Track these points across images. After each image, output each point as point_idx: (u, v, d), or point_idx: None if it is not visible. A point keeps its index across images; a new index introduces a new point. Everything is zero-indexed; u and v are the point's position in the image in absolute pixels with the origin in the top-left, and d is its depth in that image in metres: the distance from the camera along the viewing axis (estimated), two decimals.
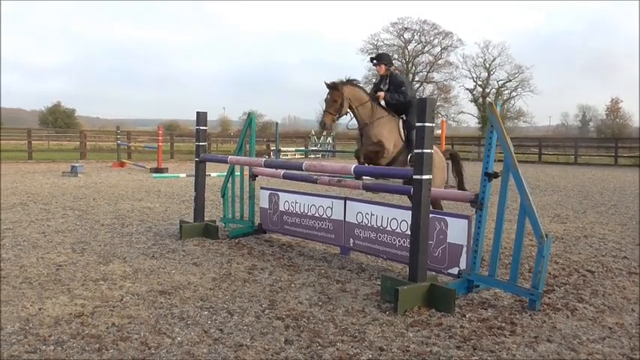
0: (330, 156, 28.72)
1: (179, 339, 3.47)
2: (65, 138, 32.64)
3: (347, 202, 5.73)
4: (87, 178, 14.47)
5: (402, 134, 6.20)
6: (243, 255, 5.77)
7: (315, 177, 6.12)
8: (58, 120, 51.52)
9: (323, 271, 5.17)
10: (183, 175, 14.94)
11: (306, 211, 6.14)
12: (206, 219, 6.89)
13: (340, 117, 6.11)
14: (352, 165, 5.16)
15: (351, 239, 5.64)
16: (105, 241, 6.34)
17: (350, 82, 6.11)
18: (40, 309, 3.98)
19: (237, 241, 6.44)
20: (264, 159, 6.97)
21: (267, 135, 32.90)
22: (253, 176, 6.89)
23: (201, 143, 6.84)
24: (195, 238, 6.51)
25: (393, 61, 7.90)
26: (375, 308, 4.12)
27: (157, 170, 15.97)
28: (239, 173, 7.10)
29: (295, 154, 24.55)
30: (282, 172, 6.46)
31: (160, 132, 17.07)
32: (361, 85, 6.35)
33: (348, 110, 6.05)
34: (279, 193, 6.58)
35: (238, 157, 6.67)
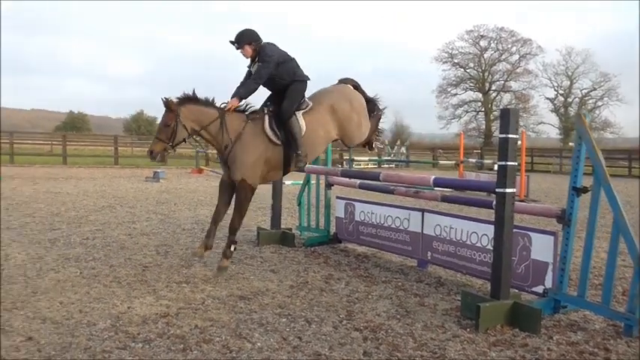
0: (403, 166, 28.46)
1: (259, 344, 3.53)
2: (147, 144, 34.29)
3: (425, 214, 5.63)
4: (168, 183, 15.10)
5: (273, 137, 5.16)
6: (320, 264, 5.80)
7: (392, 187, 6.07)
8: (141, 127, 54.22)
9: (400, 284, 5.10)
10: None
11: (382, 222, 6.09)
12: (282, 226, 6.99)
13: (177, 144, 5.04)
14: (431, 176, 5.08)
15: (429, 252, 5.53)
16: (186, 245, 6.57)
17: (189, 99, 5.02)
18: (128, 307, 4.17)
19: (312, 249, 6.49)
20: (340, 168, 7.00)
21: (340, 144, 32.99)
22: (329, 185, 6.94)
23: None
24: (272, 245, 6.63)
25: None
26: (454, 324, 4.01)
27: None
28: (315, 182, 7.17)
29: (368, 164, 24.49)
30: (358, 182, 6.46)
31: None
32: (209, 99, 5.15)
33: (192, 135, 5.08)
34: (355, 202, 6.57)
35: (315, 167, 6.73)
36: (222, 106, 5.15)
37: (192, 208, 9.88)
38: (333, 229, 6.91)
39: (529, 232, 4.60)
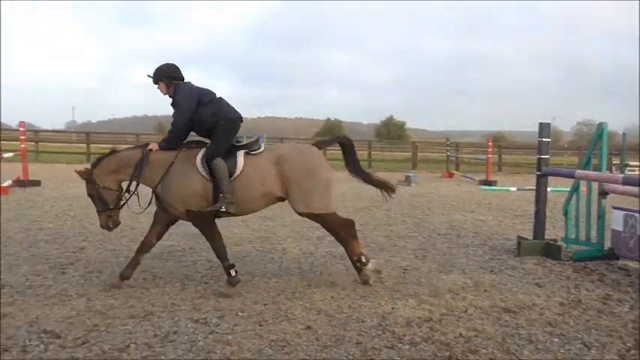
0: None
1: None
2: (397, 149, 35.48)
3: None
4: (419, 187, 15.33)
5: (203, 172, 4.58)
6: (593, 281, 5.19)
7: None
8: (391, 132, 56.39)
9: None
10: (514, 188, 14.48)
11: None
12: (545, 237, 6.46)
13: (118, 205, 4.70)
14: None
15: None
16: (443, 251, 6.54)
17: (102, 158, 4.71)
18: (392, 308, 4.30)
19: (583, 264, 5.85)
20: (621, 175, 6.17)
21: (610, 147, 29.41)
22: (603, 194, 6.17)
23: (543, 156, 6.47)
24: (535, 256, 6.17)
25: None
26: None
27: (486, 182, 15.88)
28: (585, 189, 6.45)
29: None
30: None
31: (490, 144, 16.96)
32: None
33: (123, 187, 4.73)
34: (637, 215, 5.72)
35: (587, 172, 6.06)
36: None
37: (445, 213, 9.84)
38: (607, 244, 6.12)
39: None
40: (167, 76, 4.76)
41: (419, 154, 27.44)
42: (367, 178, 5.23)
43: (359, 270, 4.95)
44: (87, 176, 4.64)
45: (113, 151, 4.82)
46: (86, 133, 27.81)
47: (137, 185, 4.73)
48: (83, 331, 3.63)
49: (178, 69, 4.84)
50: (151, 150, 4.69)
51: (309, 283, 4.97)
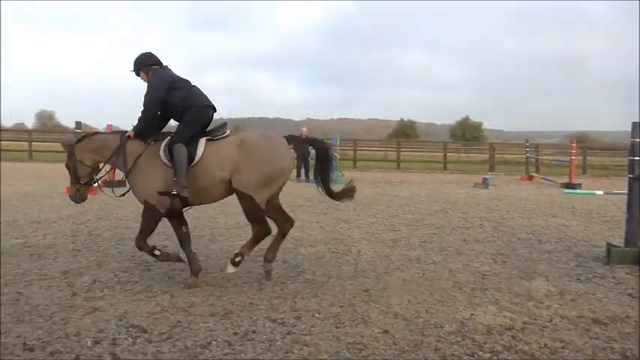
0: None
1: None
2: (473, 150, 34.56)
3: None
4: (497, 190, 14.85)
5: (166, 160, 4.76)
6: None
7: None
8: (466, 133, 54.99)
9: None
10: (600, 192, 13.69)
11: None
12: (638, 245, 6.05)
13: (89, 181, 5.05)
14: None
15: None
16: (524, 256, 6.28)
17: (89, 135, 5.10)
18: (472, 314, 4.18)
19: None
20: None
21: None
22: None
23: (636, 158, 6.07)
24: (626, 265, 5.79)
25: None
26: None
27: (569, 186, 15.11)
28: None
29: None
30: None
31: (574, 145, 16.12)
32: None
33: (97, 168, 5.05)
34: None
35: None
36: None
37: (525, 217, 9.45)
38: None
39: None
40: (145, 65, 5.00)
41: (496, 155, 26.57)
42: (329, 192, 5.09)
43: (234, 261, 4.89)
44: (69, 149, 4.99)
45: (97, 133, 5.27)
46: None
47: (110, 168, 5.25)
48: (167, 327, 3.78)
49: (154, 55, 5.07)
50: (129, 137, 4.92)
51: (385, 286, 4.92)
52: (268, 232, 4.94)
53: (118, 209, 9.17)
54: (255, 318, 3.99)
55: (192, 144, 4.75)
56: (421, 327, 3.88)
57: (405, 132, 59.90)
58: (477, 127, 57.79)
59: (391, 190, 14.43)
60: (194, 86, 5.04)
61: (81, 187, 5.01)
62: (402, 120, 65.63)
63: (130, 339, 3.55)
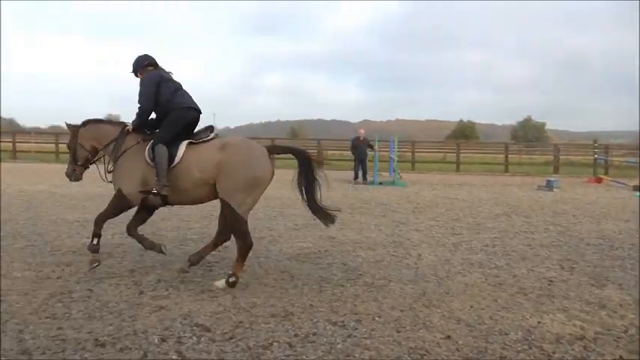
0: None
1: None
2: (535, 152, 33.42)
3: None
4: (562, 193, 14.29)
5: (148, 159, 4.98)
6: None
7: None
8: (528, 134, 53.33)
9: None
10: None
11: None
12: None
13: (86, 164, 5.41)
14: None
15: None
16: (594, 262, 6.01)
17: (93, 120, 5.38)
18: (538, 322, 4.02)
19: None
20: None
21: None
22: None
23: None
24: None
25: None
26: None
27: None
28: None
29: None
30: None
31: None
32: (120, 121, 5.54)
33: (94, 153, 5.40)
34: None
35: None
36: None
37: (594, 222, 9.04)
38: None
39: None
40: (142, 66, 5.32)
41: (560, 157, 25.58)
42: (310, 201, 4.97)
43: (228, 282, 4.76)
44: (71, 129, 5.36)
45: (102, 121, 5.50)
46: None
47: (103, 156, 5.46)
48: (230, 327, 3.84)
49: (150, 57, 5.38)
50: (128, 131, 5.21)
51: (446, 291, 4.81)
52: (248, 245, 4.86)
53: (181, 210, 9.43)
54: (315, 320, 4.00)
55: (173, 145, 4.96)
56: (485, 333, 3.77)
57: (464, 133, 58.73)
58: (540, 127, 55.94)
59: (451, 192, 14.15)
60: (181, 89, 5.27)
61: (77, 167, 5.38)
62: (461, 121, 64.37)
63: (194, 337, 3.63)
